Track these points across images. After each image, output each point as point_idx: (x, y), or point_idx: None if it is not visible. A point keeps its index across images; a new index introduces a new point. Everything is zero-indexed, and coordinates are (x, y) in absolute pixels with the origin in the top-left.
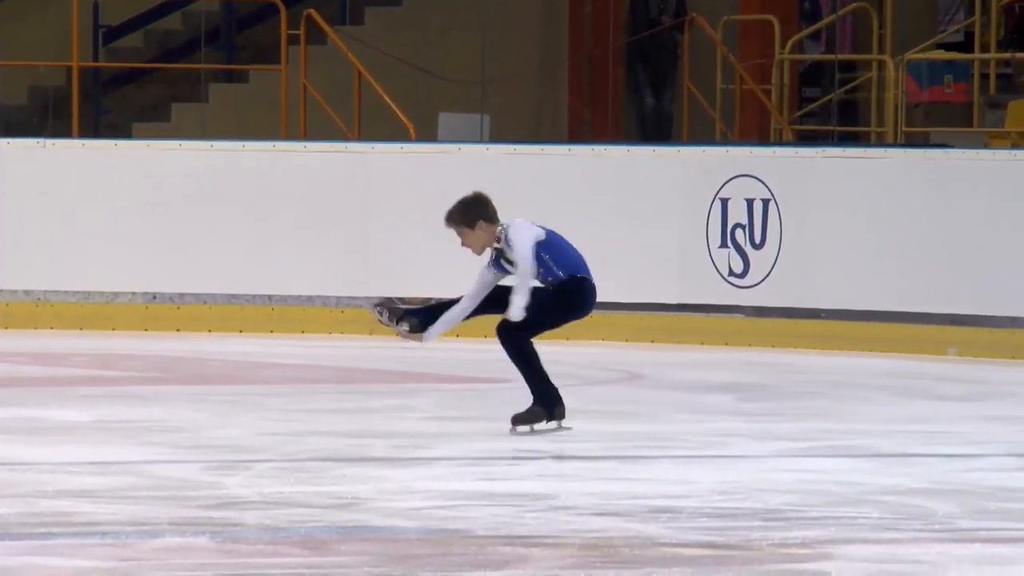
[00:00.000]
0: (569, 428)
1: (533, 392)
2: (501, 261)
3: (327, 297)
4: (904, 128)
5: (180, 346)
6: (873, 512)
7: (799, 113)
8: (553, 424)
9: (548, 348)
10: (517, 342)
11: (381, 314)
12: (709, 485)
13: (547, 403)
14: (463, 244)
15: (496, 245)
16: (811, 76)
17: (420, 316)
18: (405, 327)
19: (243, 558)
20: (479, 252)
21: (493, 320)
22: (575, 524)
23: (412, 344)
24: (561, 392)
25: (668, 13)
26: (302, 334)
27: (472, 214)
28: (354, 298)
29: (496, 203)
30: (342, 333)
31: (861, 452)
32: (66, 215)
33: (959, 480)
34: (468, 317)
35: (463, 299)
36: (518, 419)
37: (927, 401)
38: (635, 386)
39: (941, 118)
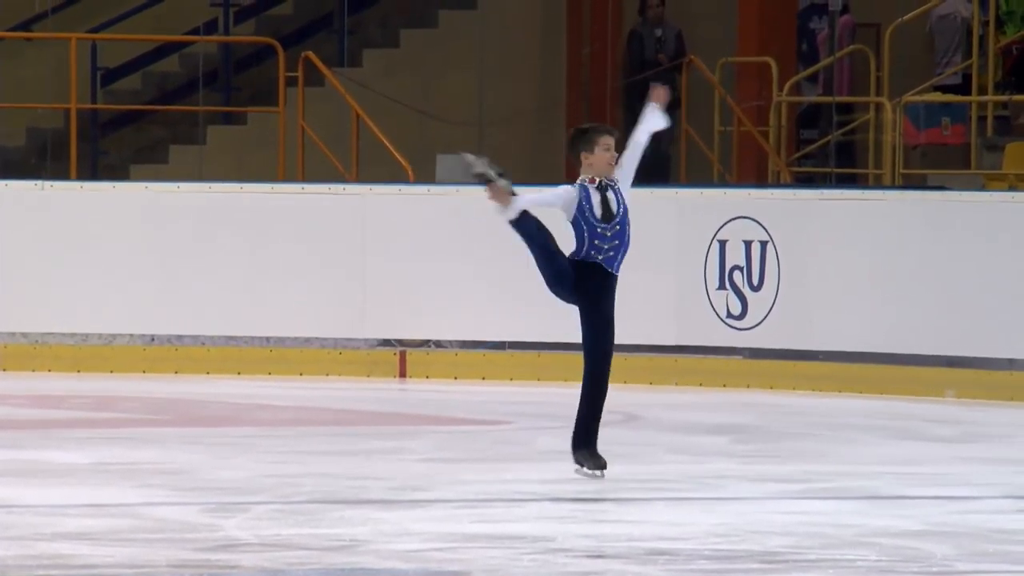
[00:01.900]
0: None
1: (584, 423)
2: (605, 192)
3: (325, 339)
4: (901, 170)
5: (178, 388)
6: (871, 554)
7: (797, 155)
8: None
9: (546, 389)
10: (602, 370)
11: (474, 163)
12: (706, 527)
13: (583, 442)
14: (609, 155)
15: (608, 179)
16: (809, 118)
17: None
18: (505, 182)
19: None
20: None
21: (491, 362)
22: (572, 566)
23: (496, 203)
24: (557, 434)
25: (666, 54)
26: (300, 376)
27: None
28: (351, 340)
29: (495, 243)
30: (340, 375)
31: (858, 494)
32: (64, 257)
33: (956, 522)
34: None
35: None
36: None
37: (924, 443)
38: (632, 428)
39: (938, 160)
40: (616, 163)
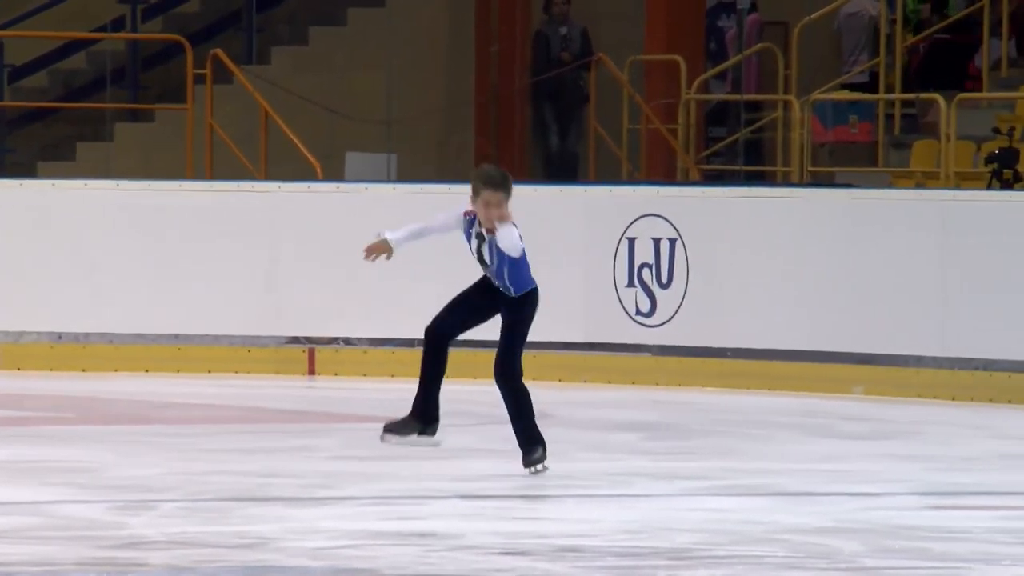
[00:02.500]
0: (547, 469)
1: (519, 437)
2: (481, 242)
3: (233, 336)
4: (809, 168)
5: (86, 386)
6: (779, 551)
7: (705, 153)
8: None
9: (453, 387)
10: (514, 386)
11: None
12: (615, 524)
13: (531, 447)
14: (490, 215)
15: (488, 227)
16: (717, 116)
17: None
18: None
19: None
20: (496, 224)
21: (400, 360)
22: (481, 563)
23: (379, 253)
24: (466, 431)
25: (571, 52)
26: (208, 373)
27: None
28: (259, 337)
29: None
30: (248, 372)
31: (767, 491)
32: None
33: (864, 519)
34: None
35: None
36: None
37: (832, 440)
38: (542, 425)
39: (846, 158)
40: (500, 220)
